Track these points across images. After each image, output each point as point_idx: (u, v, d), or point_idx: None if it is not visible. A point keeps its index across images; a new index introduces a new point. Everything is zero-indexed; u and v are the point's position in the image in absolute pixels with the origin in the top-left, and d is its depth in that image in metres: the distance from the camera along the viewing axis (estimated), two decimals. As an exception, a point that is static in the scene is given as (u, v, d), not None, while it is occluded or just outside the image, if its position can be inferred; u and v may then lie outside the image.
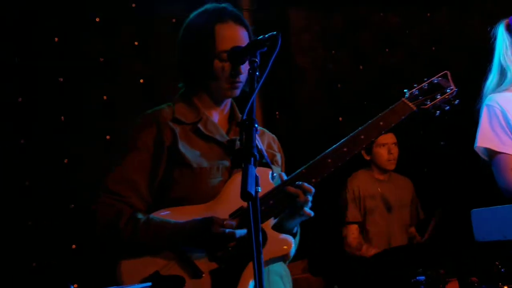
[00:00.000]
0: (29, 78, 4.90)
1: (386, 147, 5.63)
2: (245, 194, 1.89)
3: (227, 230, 2.41)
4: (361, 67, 6.51)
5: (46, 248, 4.75)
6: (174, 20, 5.20)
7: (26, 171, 4.82)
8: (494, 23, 3.57)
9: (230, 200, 2.55)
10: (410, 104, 2.78)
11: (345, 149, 2.64)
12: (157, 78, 5.27)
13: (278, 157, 2.88)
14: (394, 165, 5.70)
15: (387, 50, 6.59)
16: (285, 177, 2.63)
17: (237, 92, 2.72)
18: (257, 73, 2.30)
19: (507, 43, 3.48)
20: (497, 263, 3.15)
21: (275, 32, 2.36)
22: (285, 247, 2.51)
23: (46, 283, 4.71)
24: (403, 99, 2.81)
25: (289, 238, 2.52)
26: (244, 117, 2.11)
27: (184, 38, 2.77)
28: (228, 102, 2.84)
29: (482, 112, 3.47)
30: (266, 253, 2.39)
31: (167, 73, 5.12)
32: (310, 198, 2.53)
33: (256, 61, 2.36)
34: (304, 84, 6.25)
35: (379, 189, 5.68)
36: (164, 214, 2.58)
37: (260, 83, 2.26)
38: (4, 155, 4.76)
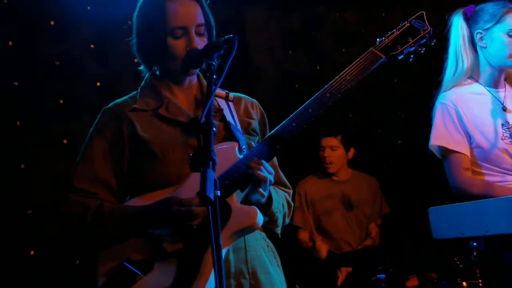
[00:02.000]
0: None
1: (322, 151, 5.66)
2: (204, 198, 1.89)
3: (183, 208, 2.36)
4: (318, 66, 6.55)
5: (3, 254, 4.66)
6: (130, 23, 5.15)
7: None
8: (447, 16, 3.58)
9: (197, 180, 2.52)
10: (378, 52, 2.67)
11: (309, 110, 2.61)
12: (115, 80, 5.22)
13: (255, 124, 2.82)
14: (333, 169, 5.70)
15: (343, 50, 6.63)
16: (254, 145, 2.60)
17: (196, 71, 2.70)
18: (214, 76, 2.29)
19: (464, 31, 3.50)
20: (455, 259, 3.19)
21: (231, 35, 2.35)
22: (250, 216, 2.45)
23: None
24: (371, 48, 2.70)
25: (254, 208, 2.46)
26: (202, 120, 2.10)
27: (137, 19, 2.74)
28: (192, 78, 2.78)
29: (436, 110, 3.50)
30: (232, 226, 2.41)
31: (124, 75, 5.10)
32: (264, 173, 2.43)
33: (213, 64, 2.35)
34: (262, 84, 6.25)
35: (335, 188, 5.70)
36: (132, 202, 2.58)
37: (218, 85, 2.26)
38: None
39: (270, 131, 2.73)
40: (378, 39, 2.70)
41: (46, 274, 4.70)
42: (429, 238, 2.90)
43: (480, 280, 2.93)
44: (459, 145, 3.36)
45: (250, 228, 2.47)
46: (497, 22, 3.40)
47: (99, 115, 2.72)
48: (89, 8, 5.20)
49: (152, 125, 2.64)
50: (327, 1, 6.57)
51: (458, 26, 3.53)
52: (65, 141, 5.02)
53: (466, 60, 3.47)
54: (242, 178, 2.47)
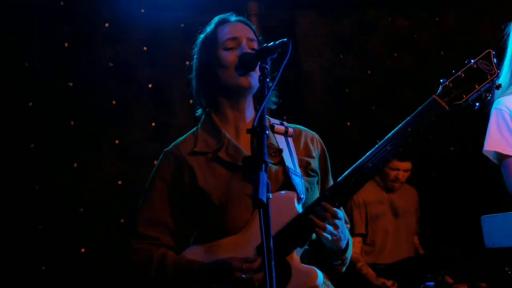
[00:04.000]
0: (39, 81, 4.93)
1: (396, 172, 5.58)
2: (256, 201, 1.90)
3: (246, 277, 2.36)
4: (369, 71, 6.51)
5: (55, 251, 4.76)
6: (182, 26, 5.22)
7: (36, 176, 4.84)
8: (503, 26, 3.53)
9: (258, 231, 2.52)
10: (441, 102, 2.44)
11: (370, 165, 2.47)
12: (166, 82, 5.28)
13: (315, 163, 2.74)
14: (398, 187, 5.68)
15: (395, 54, 6.58)
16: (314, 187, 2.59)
17: (251, 81, 2.59)
18: (267, 79, 2.29)
19: None
20: (506, 268, 3.14)
21: (285, 39, 2.34)
22: (309, 280, 2.44)
23: (56, 286, 4.73)
24: (434, 96, 2.46)
25: (314, 269, 2.45)
26: (255, 123, 2.11)
27: (195, 52, 2.78)
28: (249, 105, 2.72)
29: (491, 116, 3.45)
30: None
31: (175, 77, 5.16)
32: (334, 222, 2.40)
33: (267, 68, 2.34)
34: (312, 89, 6.24)
35: (385, 195, 5.67)
36: (195, 252, 2.59)
37: (271, 89, 2.27)
38: (14, 160, 4.78)
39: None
40: (441, 82, 2.47)
41: (96, 272, 4.79)
42: (481, 246, 2.86)
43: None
44: None
45: None
46: None
47: (160, 158, 2.73)
48: (142, 11, 5.28)
49: (212, 172, 2.61)
50: (378, 6, 6.53)
51: None
52: (116, 142, 5.10)
53: None
54: (301, 233, 2.45)
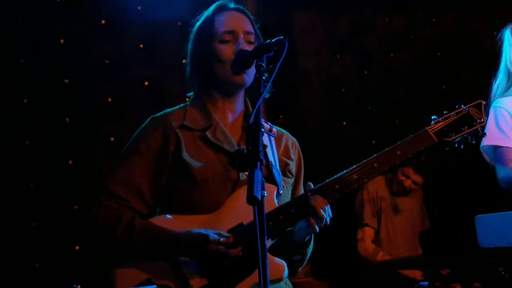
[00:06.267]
0: (35, 78, 4.92)
1: (410, 182, 5.59)
2: (251, 198, 1.89)
3: (222, 250, 2.39)
4: (365, 71, 6.51)
5: (50, 249, 4.75)
6: (179, 24, 5.22)
7: (30, 172, 4.83)
8: (500, 27, 3.56)
9: (231, 215, 2.53)
10: (432, 134, 2.62)
11: (354, 177, 2.55)
12: (162, 80, 5.28)
13: (292, 165, 2.81)
14: (401, 193, 5.70)
15: (392, 54, 6.59)
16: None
17: (246, 78, 2.64)
18: (263, 78, 2.29)
19: None
20: (500, 269, 3.15)
21: (282, 37, 2.34)
22: (277, 272, 2.48)
23: (50, 284, 4.72)
24: (426, 128, 2.64)
25: (283, 263, 2.49)
26: (251, 121, 2.11)
27: (191, 39, 2.79)
28: (240, 98, 2.78)
29: (490, 113, 3.48)
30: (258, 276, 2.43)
31: (171, 75, 5.15)
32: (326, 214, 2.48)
33: (263, 66, 2.34)
34: (308, 88, 6.25)
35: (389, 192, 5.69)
36: (164, 221, 2.57)
37: (267, 87, 2.26)
38: (8, 156, 4.77)
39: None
40: (433, 118, 2.66)
41: (90, 269, 4.78)
42: (475, 246, 2.86)
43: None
44: (511, 141, 3.34)
45: (276, 281, 2.51)
46: None
47: (147, 122, 2.72)
48: (139, 8, 5.27)
49: (197, 148, 2.64)
50: (375, 6, 6.54)
51: (508, 42, 3.52)
52: (112, 139, 5.09)
53: None
54: (278, 226, 2.49)
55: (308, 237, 2.64)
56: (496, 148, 3.41)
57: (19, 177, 4.79)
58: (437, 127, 2.63)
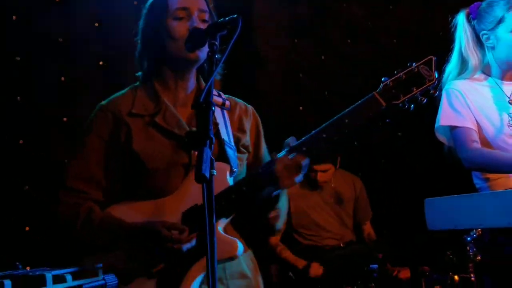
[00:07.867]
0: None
1: (316, 175, 5.52)
2: (199, 176, 1.89)
3: (175, 245, 2.44)
4: (323, 57, 6.53)
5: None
6: (136, 3, 5.14)
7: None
8: (454, 13, 3.58)
9: (186, 198, 2.55)
10: (380, 99, 2.50)
11: (304, 148, 2.52)
12: (117, 60, 5.20)
13: (247, 138, 2.81)
14: (325, 184, 5.64)
15: (349, 41, 6.61)
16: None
17: (199, 54, 2.62)
18: (216, 56, 2.27)
19: (468, 33, 3.50)
20: (448, 252, 3.19)
21: (235, 15, 2.32)
22: (231, 249, 2.51)
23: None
24: (374, 92, 2.52)
25: (235, 240, 2.52)
26: (202, 99, 2.09)
27: (143, 15, 2.76)
28: (192, 76, 2.76)
29: (443, 95, 3.51)
30: None
31: (127, 55, 5.08)
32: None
33: (216, 44, 2.32)
34: (266, 72, 6.23)
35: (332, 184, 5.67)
36: (121, 209, 2.61)
37: (219, 65, 2.25)
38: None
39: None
40: (383, 80, 2.53)
41: (40, 250, 4.71)
42: (423, 230, 2.89)
43: (472, 275, 2.92)
44: (467, 121, 3.36)
45: (230, 259, 2.53)
46: (500, 21, 3.38)
47: (95, 111, 2.72)
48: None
49: (147, 135, 2.64)
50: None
51: (462, 27, 3.53)
52: (64, 119, 5.01)
53: (474, 60, 3.47)
54: (232, 205, 2.51)
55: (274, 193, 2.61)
56: (452, 129, 3.42)
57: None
58: (386, 90, 2.50)
